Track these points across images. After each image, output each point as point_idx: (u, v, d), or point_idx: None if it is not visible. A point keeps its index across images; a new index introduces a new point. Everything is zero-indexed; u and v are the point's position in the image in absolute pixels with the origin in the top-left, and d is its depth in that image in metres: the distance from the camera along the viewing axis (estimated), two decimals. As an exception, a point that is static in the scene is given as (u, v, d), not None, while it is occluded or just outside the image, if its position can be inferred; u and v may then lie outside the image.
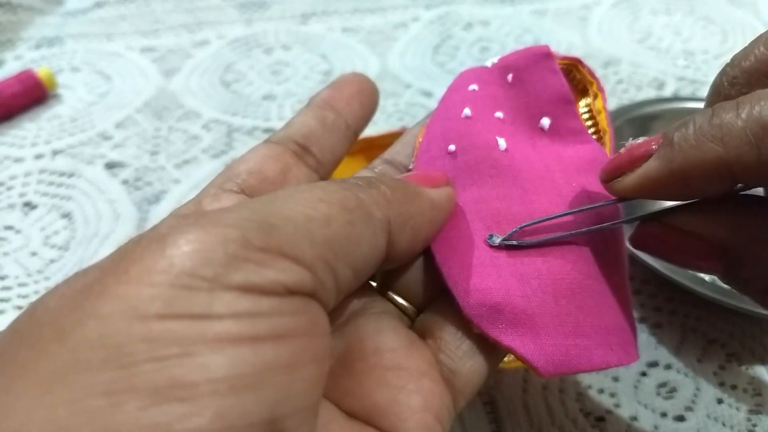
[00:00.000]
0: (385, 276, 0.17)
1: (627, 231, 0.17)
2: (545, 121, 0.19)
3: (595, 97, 0.19)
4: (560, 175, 0.18)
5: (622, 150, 0.15)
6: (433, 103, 0.39)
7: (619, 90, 0.40)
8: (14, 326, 0.11)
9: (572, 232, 0.16)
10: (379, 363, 0.14)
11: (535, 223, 0.17)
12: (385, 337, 0.15)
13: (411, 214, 0.15)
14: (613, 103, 0.37)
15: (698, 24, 0.46)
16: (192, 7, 0.47)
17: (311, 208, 0.12)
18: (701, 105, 0.36)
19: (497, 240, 0.16)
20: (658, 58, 0.42)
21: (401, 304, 0.16)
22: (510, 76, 0.20)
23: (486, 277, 0.15)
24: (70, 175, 0.34)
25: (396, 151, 0.20)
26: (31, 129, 0.37)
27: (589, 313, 0.15)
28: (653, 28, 0.45)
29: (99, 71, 0.41)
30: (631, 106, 0.32)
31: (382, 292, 0.16)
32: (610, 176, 0.15)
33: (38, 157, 0.35)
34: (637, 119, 0.32)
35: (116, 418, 0.09)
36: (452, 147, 0.18)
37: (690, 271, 0.25)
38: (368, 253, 0.13)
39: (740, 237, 0.14)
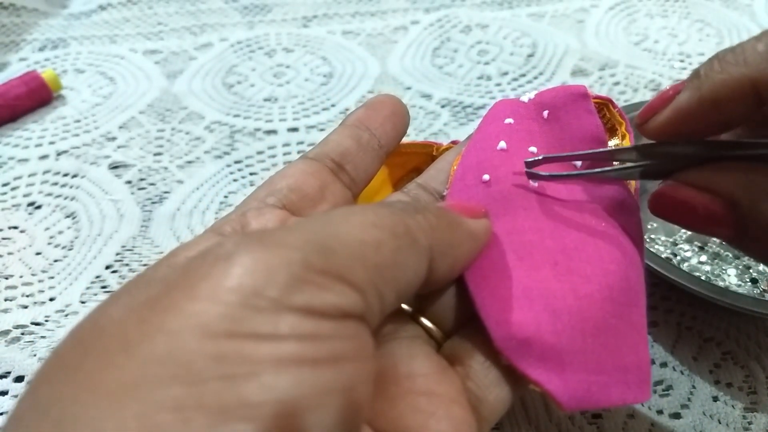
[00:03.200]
0: (417, 300, 0.17)
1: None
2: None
3: (623, 137, 0.20)
4: (590, 215, 0.18)
5: (654, 96, 0.16)
6: (432, 105, 0.39)
7: (615, 92, 0.40)
8: (77, 334, 0.11)
9: (598, 170, 0.18)
10: (412, 388, 0.15)
11: (560, 157, 0.18)
12: (417, 362, 0.15)
13: (452, 244, 0.15)
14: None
15: (694, 26, 0.46)
16: (195, 10, 0.48)
17: (364, 233, 0.13)
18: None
19: (532, 167, 0.18)
20: (655, 61, 0.43)
21: (430, 328, 0.17)
22: (546, 113, 0.20)
23: (518, 311, 0.16)
24: (74, 176, 0.34)
25: (430, 177, 0.20)
26: (36, 130, 0.37)
27: (611, 351, 0.16)
28: (649, 31, 0.46)
29: (103, 73, 0.42)
30: (627, 107, 0.33)
31: (414, 316, 0.17)
32: (644, 119, 0.16)
33: (43, 157, 0.36)
34: (633, 120, 0.32)
35: None
36: (486, 177, 0.18)
37: (686, 270, 0.26)
38: (411, 279, 0.14)
39: (749, 191, 0.15)
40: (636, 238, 0.18)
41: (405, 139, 0.21)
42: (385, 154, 0.20)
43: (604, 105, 0.20)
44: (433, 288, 0.16)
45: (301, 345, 0.11)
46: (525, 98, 0.21)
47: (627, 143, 0.20)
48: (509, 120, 0.20)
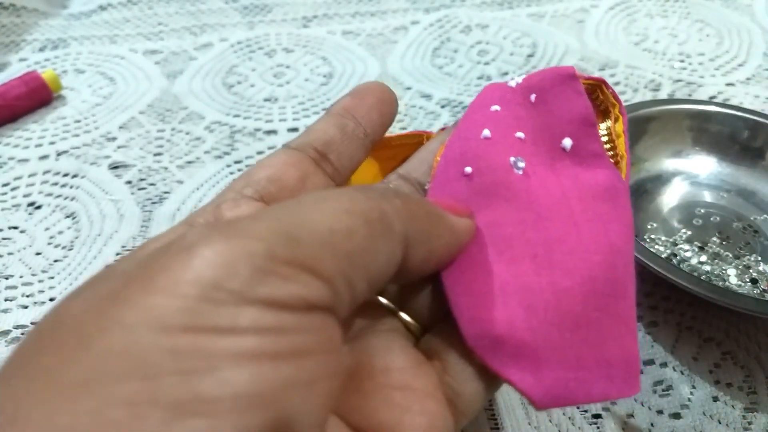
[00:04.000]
0: (396, 294, 0.17)
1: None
2: (567, 142, 0.19)
3: (616, 120, 0.19)
4: (576, 202, 0.17)
5: None
6: (432, 105, 0.39)
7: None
8: (38, 329, 0.11)
9: None
10: (387, 382, 0.14)
11: None
12: (394, 356, 0.15)
13: (430, 234, 0.15)
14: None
15: (694, 26, 0.46)
16: (195, 10, 0.48)
17: (336, 220, 0.12)
18: (697, 107, 0.36)
19: None
20: (655, 61, 0.43)
21: (409, 322, 0.16)
22: (533, 96, 0.20)
23: (491, 308, 0.15)
24: (74, 176, 0.34)
25: (412, 167, 0.19)
26: (36, 130, 0.37)
27: (593, 346, 0.15)
28: (649, 31, 0.46)
29: (103, 73, 0.42)
30: (627, 107, 0.33)
31: (392, 310, 0.16)
32: None
33: (43, 158, 0.36)
34: (633, 121, 0.32)
35: (137, 430, 0.09)
36: (468, 169, 0.18)
37: (686, 270, 0.26)
38: (384, 267, 0.13)
39: None
40: (625, 225, 0.17)
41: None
42: (371, 142, 0.19)
43: (597, 86, 0.20)
44: (408, 279, 0.15)
45: (262, 339, 0.10)
46: (513, 83, 0.20)
47: (619, 126, 0.19)
48: (495, 107, 0.19)
